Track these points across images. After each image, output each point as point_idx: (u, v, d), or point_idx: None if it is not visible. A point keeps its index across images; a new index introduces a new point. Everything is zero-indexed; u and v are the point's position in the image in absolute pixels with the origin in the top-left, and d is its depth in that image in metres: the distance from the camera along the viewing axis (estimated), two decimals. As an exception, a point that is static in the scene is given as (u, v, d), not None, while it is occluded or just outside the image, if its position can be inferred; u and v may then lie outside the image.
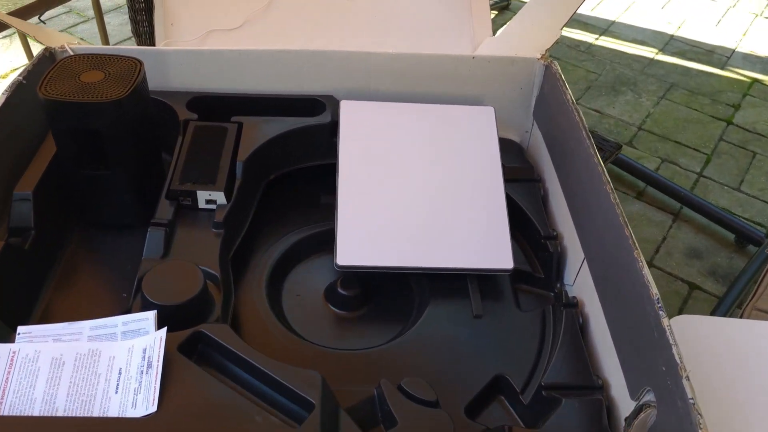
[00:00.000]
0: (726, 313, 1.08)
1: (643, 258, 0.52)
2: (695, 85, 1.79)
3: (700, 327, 0.65)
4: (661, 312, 0.48)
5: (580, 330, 0.62)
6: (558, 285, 0.69)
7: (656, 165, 1.48)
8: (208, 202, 0.64)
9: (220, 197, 0.64)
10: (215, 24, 0.98)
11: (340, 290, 0.65)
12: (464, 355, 0.61)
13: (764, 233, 1.24)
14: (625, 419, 0.53)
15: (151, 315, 0.50)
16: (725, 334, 0.64)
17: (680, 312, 1.15)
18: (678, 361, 0.45)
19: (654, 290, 0.50)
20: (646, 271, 0.51)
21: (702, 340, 0.64)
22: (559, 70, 0.74)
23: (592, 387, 0.57)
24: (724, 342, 0.63)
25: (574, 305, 0.64)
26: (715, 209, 1.33)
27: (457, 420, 0.56)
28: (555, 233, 0.70)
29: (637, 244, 0.53)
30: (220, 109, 0.74)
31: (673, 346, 0.46)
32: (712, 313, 1.06)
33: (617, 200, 0.58)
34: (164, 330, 0.48)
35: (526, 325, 0.64)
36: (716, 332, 0.64)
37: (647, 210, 1.33)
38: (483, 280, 0.67)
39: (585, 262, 0.64)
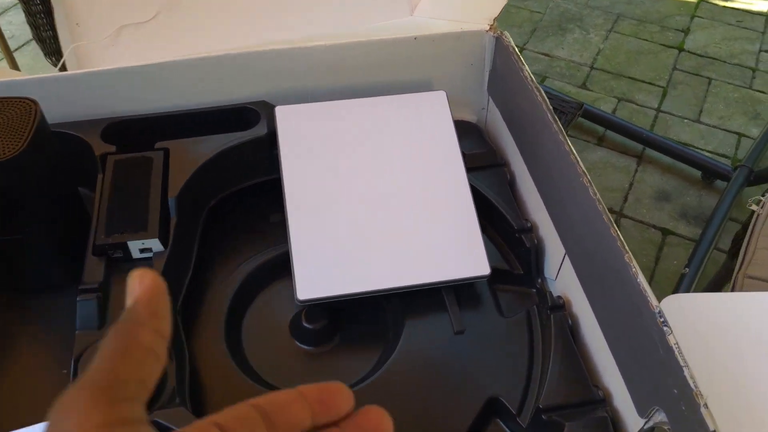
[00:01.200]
0: (703, 259, 1.07)
1: (635, 263, 0.47)
2: (642, 13, 1.74)
3: (692, 307, 0.62)
4: (665, 328, 0.44)
5: (571, 333, 0.58)
6: (539, 280, 0.65)
7: (613, 105, 1.44)
8: (142, 251, 0.57)
9: (155, 244, 0.56)
10: (125, 18, 0.88)
11: (305, 324, 0.59)
12: (451, 379, 0.56)
13: (730, 167, 1.23)
14: (633, 434, 0.50)
15: (91, 413, 0.43)
16: (720, 312, 0.60)
17: (657, 261, 1.13)
18: (692, 386, 0.41)
19: (653, 302, 0.45)
20: (642, 278, 0.46)
21: (696, 323, 0.60)
22: (512, 43, 0.68)
23: (594, 401, 0.53)
24: (722, 323, 0.59)
25: (561, 307, 0.60)
26: (678, 147, 1.30)
27: (453, 458, 0.52)
28: (529, 224, 0.65)
29: (626, 246, 0.48)
30: (140, 135, 0.66)
31: (684, 368, 0.42)
32: (690, 260, 1.05)
33: (597, 194, 0.52)
34: None
35: (512, 333, 0.60)
36: (710, 311, 0.61)
37: (610, 156, 1.30)
38: (459, 289, 0.62)
39: (566, 257, 0.60)
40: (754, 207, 0.71)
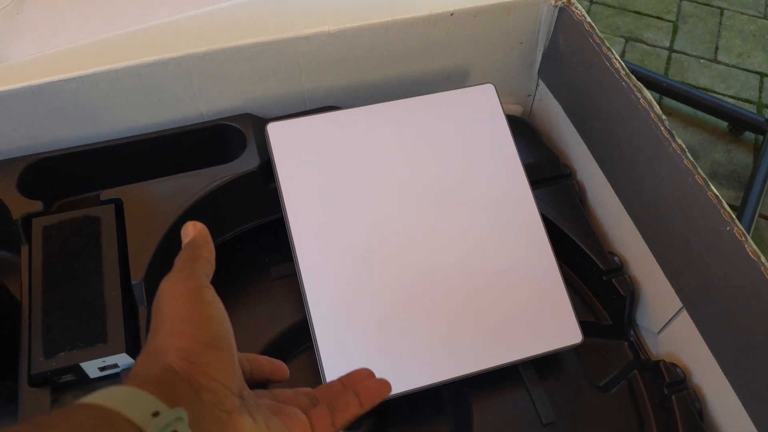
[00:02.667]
0: (749, 230, 0.95)
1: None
2: (636, -69, 1.56)
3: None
4: None
5: (699, 414, 0.45)
6: (632, 332, 0.51)
7: (621, 47, 1.29)
8: (104, 368, 0.40)
9: (122, 360, 0.40)
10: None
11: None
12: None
13: (762, 117, 1.10)
14: None
15: None
16: None
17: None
18: None
19: None
20: None
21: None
22: (586, 16, 0.51)
23: None
24: None
25: (681, 381, 0.46)
26: (699, 94, 1.17)
27: None
28: (618, 260, 0.51)
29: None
30: (76, 179, 0.48)
31: None
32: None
33: (746, 237, 0.38)
34: None
35: (614, 416, 0.46)
36: None
37: (624, 109, 1.15)
38: (538, 359, 0.48)
39: (684, 311, 0.46)
40: None
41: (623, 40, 1.30)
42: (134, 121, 0.49)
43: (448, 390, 0.47)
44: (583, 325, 0.50)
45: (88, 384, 0.41)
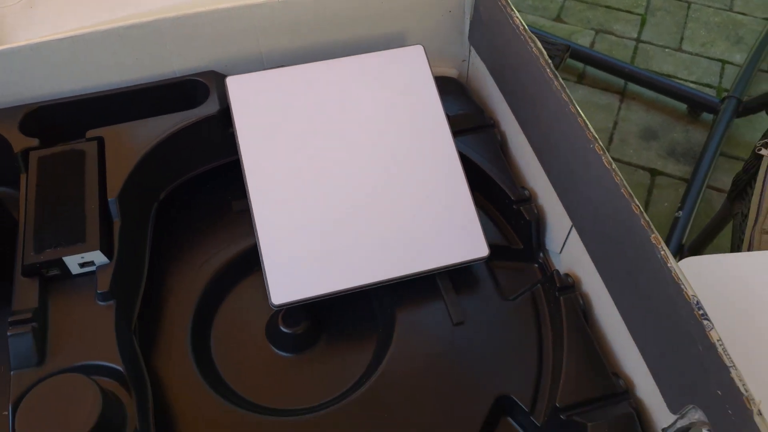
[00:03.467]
0: (696, 200, 1.02)
1: (664, 245, 0.41)
2: (612, -67, 1.63)
3: (703, 272, 0.57)
4: (705, 321, 0.38)
5: (584, 315, 0.53)
6: (541, 254, 0.59)
7: (591, 38, 1.36)
8: (83, 265, 0.49)
9: (97, 257, 0.48)
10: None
11: (283, 329, 0.53)
12: (454, 379, 0.51)
13: (717, 99, 1.17)
14: (663, 429, 0.45)
15: (35, 481, 0.37)
16: (737, 276, 0.55)
17: (647, 205, 1.08)
18: (742, 390, 0.36)
19: (689, 291, 0.39)
20: (673, 263, 0.40)
21: (714, 289, 0.55)
22: (496, -15, 0.59)
23: (616, 394, 0.48)
24: (739, 287, 0.54)
25: (570, 287, 0.54)
26: (661, 80, 1.24)
27: (464, 472, 0.47)
28: (527, 193, 0.59)
29: (653, 226, 0.42)
30: (67, 123, 0.57)
31: (731, 369, 0.36)
32: (682, 203, 1.00)
33: (613, 165, 0.46)
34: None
35: (516, 318, 0.54)
36: (725, 276, 0.56)
37: (592, 94, 1.23)
38: (454, 274, 0.56)
39: (573, 229, 0.54)
40: (763, 152, 0.65)
41: (593, 32, 1.37)
42: (117, 76, 0.59)
43: (377, 297, 0.55)
44: (498, 249, 0.58)
45: (71, 279, 0.49)
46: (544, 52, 0.53)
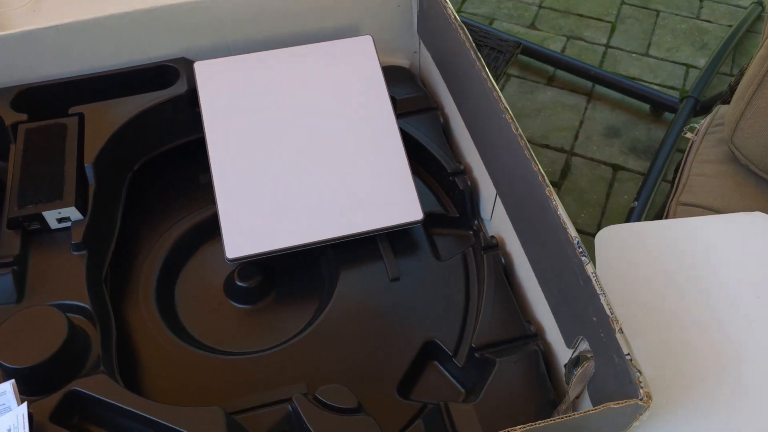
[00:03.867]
0: (651, 191, 1.08)
1: (556, 196, 0.47)
2: (589, -53, 1.70)
3: (624, 238, 0.62)
4: (583, 258, 0.44)
5: (505, 272, 0.58)
6: (475, 222, 0.65)
7: (562, 44, 1.43)
8: (60, 221, 0.55)
9: (72, 213, 0.55)
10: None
11: (238, 283, 0.59)
12: (387, 326, 0.56)
13: (677, 98, 1.23)
14: (565, 366, 0.50)
15: (8, 387, 0.43)
16: (652, 241, 0.61)
17: (608, 197, 1.14)
18: (608, 312, 0.42)
19: (572, 232, 0.45)
20: (562, 211, 0.46)
21: (629, 252, 0.61)
22: (435, -19, 0.66)
23: (526, 337, 0.54)
24: (652, 250, 0.60)
25: (494, 246, 0.60)
26: (626, 82, 1.30)
27: (391, 403, 0.52)
28: (462, 167, 0.65)
29: (547, 180, 0.48)
30: (53, 101, 0.64)
31: (600, 296, 0.42)
32: (638, 194, 1.05)
33: (519, 130, 0.52)
34: (25, 405, 0.41)
35: (447, 276, 0.60)
36: (642, 240, 0.61)
37: (560, 95, 1.29)
38: (395, 236, 0.62)
39: (498, 197, 0.60)
40: (688, 135, 0.71)
41: (564, 38, 1.44)
42: (98, 61, 0.65)
43: (324, 256, 0.61)
44: (436, 217, 0.64)
45: (48, 233, 0.56)
46: (470, 38, 0.59)
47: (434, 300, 0.58)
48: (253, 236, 0.58)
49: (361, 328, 0.56)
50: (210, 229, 0.63)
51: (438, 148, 0.66)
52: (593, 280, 0.43)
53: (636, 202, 1.04)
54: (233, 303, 0.59)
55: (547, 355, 0.53)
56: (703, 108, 1.18)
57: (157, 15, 0.64)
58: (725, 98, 0.78)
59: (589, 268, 0.44)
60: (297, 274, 0.61)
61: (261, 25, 0.68)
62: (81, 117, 0.61)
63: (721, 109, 0.75)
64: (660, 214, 0.90)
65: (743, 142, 0.65)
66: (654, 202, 1.04)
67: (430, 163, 0.66)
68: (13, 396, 0.43)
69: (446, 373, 0.55)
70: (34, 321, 0.47)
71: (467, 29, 0.60)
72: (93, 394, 0.44)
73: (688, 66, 1.38)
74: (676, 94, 1.33)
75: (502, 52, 1.00)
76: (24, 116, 0.61)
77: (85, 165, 0.57)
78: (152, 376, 0.53)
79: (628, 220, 1.03)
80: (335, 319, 0.56)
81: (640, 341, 0.48)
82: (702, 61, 1.36)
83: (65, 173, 0.56)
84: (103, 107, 0.62)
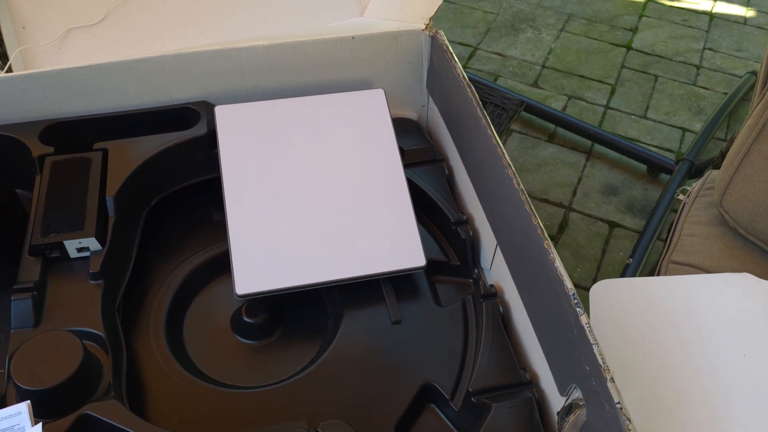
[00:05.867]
0: (646, 249, 1.11)
1: (554, 249, 0.50)
2: (592, 12, 1.78)
3: (618, 292, 0.65)
4: (578, 309, 0.46)
5: (502, 320, 0.61)
6: (475, 270, 0.67)
7: (563, 103, 1.48)
8: (80, 250, 0.57)
9: (92, 243, 0.57)
10: (73, 21, 0.88)
11: (245, 319, 0.61)
12: (388, 368, 0.58)
13: (673, 161, 1.27)
14: (558, 413, 0.52)
15: (23, 408, 0.45)
16: (643, 296, 0.63)
17: (603, 253, 1.16)
18: (600, 362, 0.44)
19: (568, 284, 0.48)
20: (559, 263, 0.49)
21: (621, 307, 0.63)
22: (446, 41, 0.70)
23: (521, 384, 0.55)
24: (644, 305, 0.63)
25: (493, 295, 0.62)
26: (625, 142, 1.34)
27: (388, 442, 0.54)
28: (465, 217, 0.68)
29: (545, 233, 0.51)
30: (79, 136, 0.67)
31: (594, 346, 0.45)
32: (633, 251, 1.08)
33: (521, 186, 0.55)
34: (39, 427, 0.43)
35: (447, 322, 0.62)
36: (634, 295, 0.64)
37: (560, 152, 1.33)
38: (397, 280, 0.64)
39: (498, 247, 0.62)
40: (681, 197, 0.74)
41: (566, 97, 1.49)
42: (124, 100, 0.69)
43: (329, 297, 0.64)
44: (438, 264, 0.67)
45: (67, 262, 0.58)
46: (477, 95, 0.63)
47: (433, 344, 0.60)
48: (263, 274, 0.60)
49: (362, 369, 0.58)
50: (220, 266, 0.65)
51: (442, 198, 0.69)
52: (587, 330, 0.46)
53: (631, 259, 1.07)
54: (240, 338, 0.61)
55: (541, 402, 0.55)
56: (698, 171, 1.22)
57: (182, 60, 0.68)
58: (716, 163, 0.82)
59: (583, 319, 0.46)
60: (302, 312, 0.63)
61: (280, 74, 0.71)
62: (105, 152, 0.64)
63: (712, 174, 0.78)
64: (654, 272, 0.93)
65: (732, 206, 0.68)
66: (649, 259, 1.07)
67: (434, 212, 0.69)
68: (28, 417, 0.44)
69: (443, 416, 0.57)
70: (50, 345, 0.49)
71: (474, 86, 0.64)
72: (104, 419, 0.45)
73: (684, 130, 1.43)
74: (672, 156, 1.37)
75: (505, 109, 1.05)
76: (51, 149, 0.64)
77: (107, 198, 0.60)
78: (158, 405, 0.54)
79: (623, 276, 1.06)
80: (338, 358, 0.58)
81: (631, 391, 0.50)
82: (698, 126, 1.41)
83: (87, 205, 0.59)
84: (126, 144, 0.65)
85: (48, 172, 0.62)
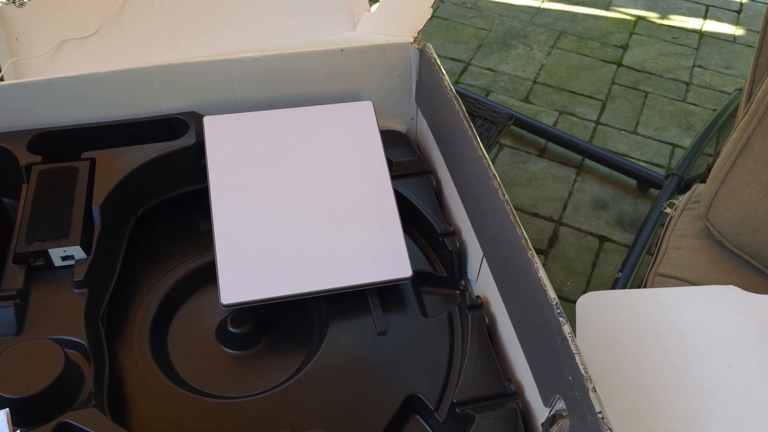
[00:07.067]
0: (635, 263, 1.11)
1: (538, 259, 0.50)
2: (583, 29, 1.80)
3: (604, 304, 0.65)
4: (561, 318, 0.46)
5: (488, 331, 0.60)
6: (462, 282, 0.67)
7: (554, 118, 1.49)
8: (64, 258, 0.57)
9: (77, 252, 0.57)
10: (66, 33, 0.88)
11: (231, 329, 0.60)
12: (372, 378, 0.58)
13: (663, 176, 1.28)
14: (542, 424, 0.52)
15: (2, 416, 0.44)
16: (630, 308, 0.63)
17: (593, 267, 1.17)
18: (582, 372, 0.44)
19: (551, 294, 0.48)
20: (543, 274, 0.49)
21: (607, 319, 0.63)
22: (434, 54, 0.71)
23: (505, 395, 0.55)
24: (630, 317, 0.63)
25: (479, 306, 0.62)
26: (615, 157, 1.35)
27: (372, 453, 0.53)
28: (452, 229, 0.68)
29: (530, 244, 0.51)
30: (67, 145, 0.67)
31: (576, 356, 0.44)
32: (623, 265, 1.08)
33: (506, 196, 0.55)
34: (17, 434, 0.42)
35: (433, 333, 0.62)
36: (620, 308, 0.64)
37: (551, 167, 1.34)
38: (384, 291, 0.64)
39: (484, 259, 0.62)
40: (668, 210, 0.75)
41: (557, 113, 1.50)
42: (113, 110, 0.69)
43: (315, 307, 0.63)
44: (425, 276, 0.67)
45: (52, 270, 0.58)
46: (464, 108, 0.63)
47: (419, 355, 0.60)
48: (248, 284, 0.60)
49: (347, 379, 0.57)
50: (206, 276, 0.65)
51: (429, 210, 0.69)
52: (569, 340, 0.45)
53: (620, 273, 1.07)
54: (225, 348, 0.61)
55: (525, 413, 0.55)
56: (687, 186, 1.23)
57: (171, 71, 0.68)
58: (703, 177, 0.82)
59: (566, 329, 0.46)
60: (288, 322, 0.63)
61: (268, 85, 0.72)
62: (93, 162, 0.64)
63: (699, 187, 0.79)
64: (641, 285, 0.93)
65: (717, 219, 0.69)
66: (638, 273, 1.07)
67: (422, 223, 0.69)
68: (6, 425, 0.44)
69: (427, 427, 0.57)
70: (32, 353, 0.49)
71: (462, 99, 0.65)
72: (83, 427, 0.45)
73: (674, 145, 1.44)
74: (662, 171, 1.38)
75: (495, 123, 1.05)
76: (38, 158, 0.64)
77: (93, 207, 0.60)
78: (140, 414, 0.54)
79: (612, 288, 1.06)
80: (322, 368, 0.58)
81: (615, 403, 0.50)
82: (687, 142, 1.42)
83: (73, 213, 0.59)
84: (114, 154, 0.65)
85: (35, 180, 0.61)
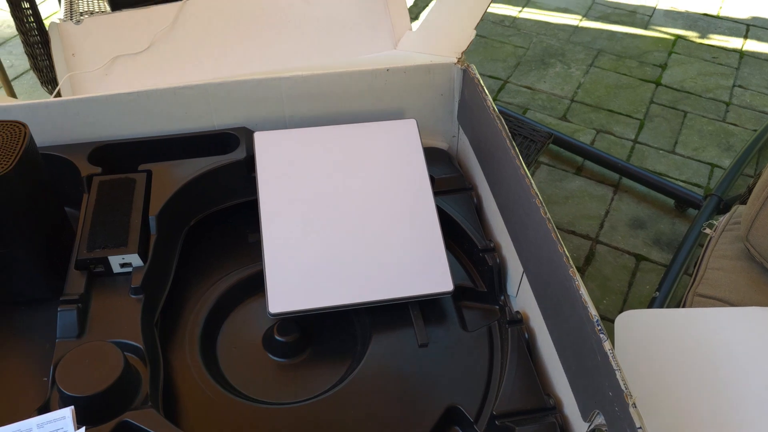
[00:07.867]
0: (673, 283, 1.10)
1: (579, 276, 0.51)
2: (621, 48, 1.80)
3: (644, 322, 0.65)
4: (601, 335, 0.47)
5: (527, 346, 0.61)
6: (502, 297, 0.68)
7: (592, 137, 1.49)
8: (122, 265, 0.60)
9: (134, 259, 0.60)
10: (119, 49, 0.93)
11: (277, 337, 0.63)
12: (413, 389, 0.59)
13: (701, 196, 1.27)
14: (581, 439, 0.53)
15: (67, 413, 0.47)
16: (669, 328, 0.64)
17: (630, 286, 1.16)
18: (623, 387, 0.44)
19: (593, 311, 0.49)
20: (584, 290, 0.50)
21: (646, 337, 0.64)
22: (477, 75, 0.72)
23: (545, 409, 0.56)
24: (669, 336, 0.63)
25: (518, 321, 0.63)
26: (653, 176, 1.34)
27: (412, 463, 0.55)
28: (492, 245, 0.69)
29: (571, 261, 0.52)
30: (125, 158, 0.70)
31: (616, 372, 0.45)
32: (660, 284, 1.08)
33: (548, 214, 0.56)
34: (82, 431, 0.45)
35: (473, 346, 0.63)
36: (660, 326, 0.64)
37: (588, 185, 1.34)
38: (425, 304, 0.65)
39: (524, 275, 0.63)
40: (707, 231, 0.75)
41: (594, 131, 1.50)
42: (168, 125, 0.72)
43: (358, 319, 0.65)
44: (466, 291, 0.68)
45: (111, 277, 0.61)
46: (506, 127, 0.64)
47: (459, 368, 0.61)
48: (295, 294, 0.62)
49: (388, 389, 0.59)
50: (254, 285, 0.67)
51: (470, 226, 0.70)
52: (610, 356, 0.46)
53: (657, 293, 1.07)
54: (271, 356, 0.63)
55: (564, 427, 0.56)
56: (726, 206, 1.22)
57: (224, 88, 0.71)
58: (744, 198, 0.82)
59: (606, 345, 0.47)
60: (332, 333, 0.65)
61: (317, 102, 0.74)
62: (149, 174, 0.67)
63: (739, 209, 0.78)
64: (679, 305, 0.93)
65: (758, 240, 0.69)
66: (675, 293, 1.07)
67: (463, 239, 0.71)
68: (72, 421, 0.47)
69: (467, 439, 0.58)
70: (93, 355, 0.51)
71: (503, 118, 0.66)
72: (143, 427, 0.47)
73: (713, 165, 1.43)
74: (700, 191, 1.37)
75: (534, 141, 1.06)
76: (98, 169, 0.67)
77: (150, 216, 0.63)
78: (192, 416, 0.56)
79: (650, 308, 1.05)
80: (365, 378, 0.60)
81: (653, 419, 0.51)
82: (727, 162, 1.41)
83: (131, 223, 0.62)
84: (169, 166, 0.68)
85: (95, 191, 0.65)
